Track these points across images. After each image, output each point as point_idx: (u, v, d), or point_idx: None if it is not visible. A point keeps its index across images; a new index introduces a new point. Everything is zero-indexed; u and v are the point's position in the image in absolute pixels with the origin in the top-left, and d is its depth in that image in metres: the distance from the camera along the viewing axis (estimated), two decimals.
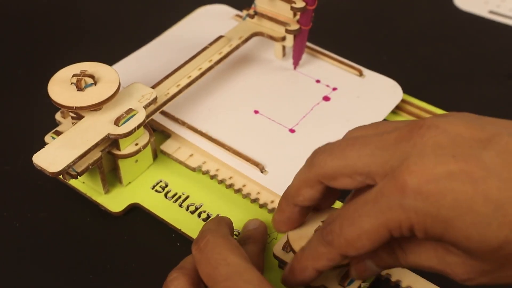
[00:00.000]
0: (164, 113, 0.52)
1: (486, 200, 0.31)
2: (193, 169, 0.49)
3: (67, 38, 0.65)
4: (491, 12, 0.67)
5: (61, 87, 0.46)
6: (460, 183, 0.31)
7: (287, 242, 0.40)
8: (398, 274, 0.42)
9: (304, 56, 0.58)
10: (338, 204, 0.47)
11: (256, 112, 0.53)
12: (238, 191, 0.48)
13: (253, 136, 0.51)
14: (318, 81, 0.56)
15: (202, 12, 0.64)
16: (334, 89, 0.55)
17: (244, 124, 0.52)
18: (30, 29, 0.66)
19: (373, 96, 0.54)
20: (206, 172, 0.49)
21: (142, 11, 0.68)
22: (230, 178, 0.48)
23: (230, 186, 0.48)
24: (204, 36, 0.56)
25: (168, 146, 0.51)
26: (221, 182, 0.48)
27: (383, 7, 0.69)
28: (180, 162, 0.50)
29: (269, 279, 0.42)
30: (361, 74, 0.56)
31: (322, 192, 0.38)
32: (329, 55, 0.58)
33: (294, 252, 0.39)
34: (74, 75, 0.46)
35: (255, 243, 0.42)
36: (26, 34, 0.65)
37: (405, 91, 0.56)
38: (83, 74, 0.46)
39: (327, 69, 0.57)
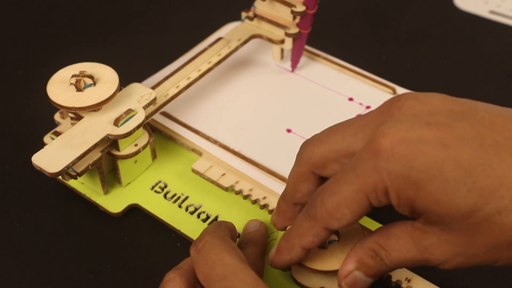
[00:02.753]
0: (195, 131, 0.51)
1: (457, 165, 0.31)
2: (226, 189, 0.48)
3: (67, 38, 0.65)
4: (491, 12, 0.67)
5: (60, 87, 0.46)
6: (431, 147, 0.32)
7: None
8: (399, 274, 0.42)
9: (335, 73, 0.57)
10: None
11: (289, 131, 0.52)
12: (272, 212, 0.46)
13: (287, 156, 0.47)
14: (351, 99, 0.55)
15: (229, 30, 0.63)
16: (368, 107, 0.54)
17: (277, 143, 0.51)
18: (30, 29, 0.66)
19: None
20: (239, 192, 0.48)
21: (143, 11, 0.68)
22: (264, 198, 0.47)
23: (265, 206, 0.47)
24: (239, 57, 0.57)
25: (200, 166, 0.49)
26: (254, 202, 0.47)
27: (383, 7, 0.69)
28: (213, 182, 0.48)
29: (269, 281, 0.42)
30: (394, 92, 0.55)
31: (317, 184, 0.38)
32: (361, 73, 0.57)
33: None
34: (73, 76, 0.46)
35: (255, 246, 0.43)
36: (26, 34, 0.65)
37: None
38: (82, 74, 0.46)
39: (359, 87, 0.56)
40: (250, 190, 0.48)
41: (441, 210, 0.32)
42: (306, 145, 0.38)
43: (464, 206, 0.31)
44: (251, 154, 0.49)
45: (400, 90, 0.55)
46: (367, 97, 0.55)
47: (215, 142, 0.50)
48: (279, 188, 0.47)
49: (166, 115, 0.52)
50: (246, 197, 0.47)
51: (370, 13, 0.68)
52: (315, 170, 0.38)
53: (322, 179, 0.38)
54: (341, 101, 0.55)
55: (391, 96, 0.54)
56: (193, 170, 0.49)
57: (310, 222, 0.36)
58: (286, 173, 0.47)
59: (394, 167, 0.32)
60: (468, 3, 0.68)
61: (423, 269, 0.42)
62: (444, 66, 0.61)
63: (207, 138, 0.51)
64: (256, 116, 0.53)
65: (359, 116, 0.37)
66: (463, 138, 0.32)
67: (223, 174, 0.49)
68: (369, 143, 0.34)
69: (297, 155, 0.39)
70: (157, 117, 0.52)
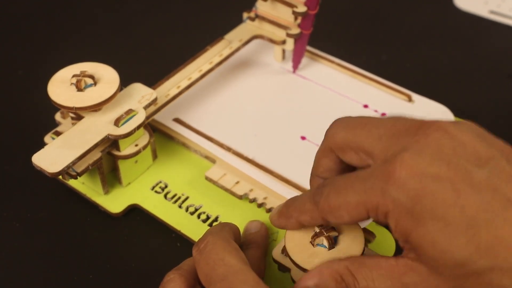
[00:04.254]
0: (209, 138, 0.51)
1: (462, 214, 0.31)
2: (240, 197, 0.47)
3: (67, 38, 0.65)
4: (491, 12, 0.67)
5: (61, 87, 0.46)
6: (443, 189, 0.32)
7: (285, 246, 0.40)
8: None
9: (350, 80, 0.57)
10: None
11: (303, 138, 0.52)
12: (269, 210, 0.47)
13: (301, 164, 0.47)
14: (366, 106, 0.54)
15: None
16: (383, 114, 0.53)
17: (291, 150, 0.50)
18: (30, 29, 0.66)
19: None
20: (253, 200, 0.47)
21: (144, 11, 0.68)
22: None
23: (261, 205, 0.47)
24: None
25: (213, 173, 0.49)
26: (269, 211, 0.47)
27: (383, 7, 0.69)
28: (226, 190, 0.48)
29: (270, 282, 0.42)
30: (410, 99, 0.55)
31: (337, 164, 0.39)
32: (376, 80, 0.56)
33: (290, 258, 0.40)
34: (74, 76, 0.46)
35: (257, 248, 0.43)
36: (26, 34, 0.65)
37: None
38: (83, 74, 0.46)
39: (374, 93, 0.56)
40: (265, 198, 0.47)
41: (435, 252, 0.32)
42: (335, 125, 0.39)
43: (459, 255, 0.32)
44: (265, 162, 0.49)
45: (416, 97, 0.55)
46: (382, 104, 0.54)
47: (228, 149, 0.50)
48: (293, 195, 0.46)
49: (179, 121, 0.52)
50: (260, 205, 0.47)
51: (370, 13, 0.68)
52: (335, 150, 0.38)
53: (343, 162, 0.39)
54: (355, 107, 0.54)
55: (406, 103, 0.54)
56: (207, 178, 0.49)
57: (312, 206, 0.37)
58: (300, 181, 0.47)
59: (400, 197, 0.33)
60: (468, 3, 0.68)
61: None
62: (444, 66, 0.61)
63: (221, 145, 0.50)
64: (270, 123, 0.53)
65: (392, 117, 0.37)
66: (476, 188, 0.32)
67: (237, 182, 0.48)
68: (386, 163, 0.34)
69: (326, 131, 0.39)
70: (169, 123, 0.52)
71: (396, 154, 0.33)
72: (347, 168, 0.39)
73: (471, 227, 0.31)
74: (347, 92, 0.56)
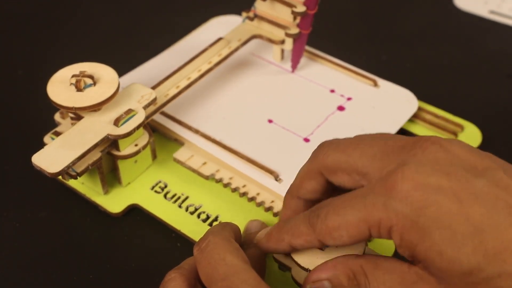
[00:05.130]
0: (177, 121, 0.51)
1: (467, 221, 0.31)
2: (206, 177, 0.49)
3: (67, 38, 0.65)
4: (491, 12, 0.67)
5: (60, 87, 0.46)
6: (446, 198, 0.32)
7: None
8: None
9: (318, 66, 0.58)
10: None
11: (270, 121, 0.52)
12: (252, 199, 0.47)
13: (268, 145, 0.50)
14: (332, 91, 0.55)
15: (215, 23, 0.63)
16: (349, 99, 0.55)
17: (258, 133, 0.51)
18: (30, 29, 0.66)
19: (388, 106, 0.54)
20: (219, 180, 0.48)
21: (153, 17, 0.68)
22: (244, 186, 0.48)
23: (244, 194, 0.47)
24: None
25: (181, 155, 0.50)
26: (234, 190, 0.48)
27: (383, 7, 0.69)
28: (193, 170, 0.49)
29: (270, 282, 0.42)
30: (375, 84, 0.56)
31: (323, 186, 0.38)
32: (343, 66, 0.57)
33: (291, 257, 0.40)
34: (73, 76, 0.46)
35: (257, 247, 0.43)
36: (26, 34, 0.65)
37: None
38: (83, 74, 0.46)
39: (341, 79, 0.57)
40: (230, 178, 0.48)
41: (442, 263, 0.32)
42: (324, 146, 0.38)
43: (467, 264, 0.31)
44: (232, 144, 0.50)
45: (381, 82, 0.56)
46: (348, 88, 0.56)
47: (196, 132, 0.51)
48: (259, 176, 0.48)
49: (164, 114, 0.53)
50: (226, 185, 0.48)
51: (370, 13, 0.68)
52: (324, 172, 0.38)
53: (329, 185, 0.38)
54: (322, 92, 0.55)
55: (372, 88, 0.56)
56: (175, 159, 0.50)
57: (308, 229, 0.37)
58: (266, 162, 0.48)
59: (404, 209, 0.32)
60: (468, 3, 0.68)
61: None
62: (444, 66, 0.61)
63: (189, 128, 0.51)
64: (239, 107, 0.54)
65: (381, 136, 0.37)
66: (478, 196, 0.32)
67: (204, 163, 0.49)
68: (385, 178, 0.33)
69: (313, 152, 0.39)
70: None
71: (395, 169, 0.33)
72: (332, 190, 0.39)
73: (477, 235, 0.31)
74: (314, 77, 0.57)
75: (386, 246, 0.45)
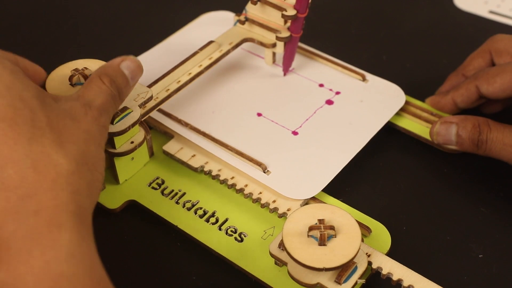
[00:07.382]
0: (167, 115, 0.52)
1: None
2: (195, 169, 0.49)
3: (67, 37, 0.65)
4: (491, 12, 0.67)
5: (58, 84, 0.46)
6: None
7: (282, 240, 0.40)
8: (399, 273, 0.41)
9: (308, 61, 0.58)
10: (331, 201, 0.47)
11: (259, 115, 0.53)
12: (240, 191, 0.48)
13: (256, 138, 0.51)
14: (321, 85, 0.56)
15: (206, 19, 0.64)
16: (337, 93, 0.55)
17: (247, 126, 0.52)
18: (29, 29, 0.66)
19: (376, 100, 0.54)
20: (208, 172, 0.49)
21: (144, 13, 0.68)
22: (232, 178, 0.48)
23: (232, 186, 0.48)
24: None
25: (170, 147, 0.51)
26: (223, 182, 0.48)
27: (383, 7, 0.69)
28: (183, 163, 0.50)
29: (266, 276, 0.42)
30: (364, 78, 0.56)
31: (487, 64, 0.52)
32: (332, 60, 0.58)
33: (286, 250, 0.39)
34: (72, 70, 0.46)
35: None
36: (25, 33, 0.65)
37: (405, 91, 0.56)
38: (81, 72, 0.46)
39: (330, 73, 0.57)
40: (219, 170, 0.49)
41: None
42: (498, 35, 0.53)
43: None
44: (221, 136, 0.50)
45: (369, 77, 0.57)
46: (337, 83, 0.56)
47: (186, 125, 0.51)
48: (247, 168, 0.48)
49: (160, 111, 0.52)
50: (214, 177, 0.49)
51: (370, 13, 0.68)
52: (493, 53, 0.52)
53: (492, 63, 0.52)
54: (311, 86, 0.56)
55: (361, 82, 0.56)
56: (164, 152, 0.50)
57: (470, 81, 0.50)
58: (254, 155, 0.49)
59: None
60: (468, 3, 0.68)
61: (425, 269, 0.42)
62: (444, 66, 0.61)
63: (179, 121, 0.51)
64: (229, 101, 0.54)
65: None
66: None
67: (193, 156, 0.50)
68: None
69: (489, 38, 0.53)
70: (160, 117, 0.52)
71: None
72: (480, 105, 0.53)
73: None
74: (304, 72, 0.57)
75: (382, 242, 0.45)
